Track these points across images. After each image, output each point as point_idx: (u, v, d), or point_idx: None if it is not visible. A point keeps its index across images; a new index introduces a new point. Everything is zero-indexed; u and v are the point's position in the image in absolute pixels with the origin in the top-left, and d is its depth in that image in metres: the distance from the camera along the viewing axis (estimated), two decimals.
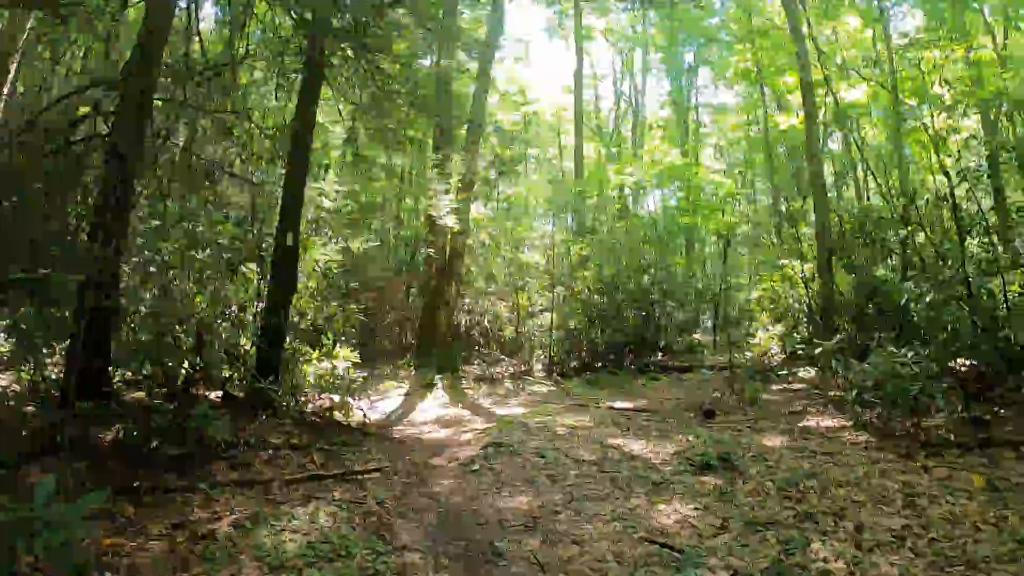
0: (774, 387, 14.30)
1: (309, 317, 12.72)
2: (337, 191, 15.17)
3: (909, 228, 14.62)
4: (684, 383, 16.85)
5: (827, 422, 10.36)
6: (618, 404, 13.37)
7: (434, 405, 13.96)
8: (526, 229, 21.07)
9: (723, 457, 7.86)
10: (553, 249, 19.20)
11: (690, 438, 9.12)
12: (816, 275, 17.59)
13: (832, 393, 12.15)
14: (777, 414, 11.44)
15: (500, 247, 19.69)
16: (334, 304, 13.00)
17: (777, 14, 23.94)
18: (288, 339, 10.87)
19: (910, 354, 9.53)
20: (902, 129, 20.80)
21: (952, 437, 8.75)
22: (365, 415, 10.99)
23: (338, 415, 10.22)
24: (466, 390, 15.71)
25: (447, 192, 16.36)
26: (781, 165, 30.83)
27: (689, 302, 22.69)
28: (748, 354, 19.74)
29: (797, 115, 21.76)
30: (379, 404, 14.39)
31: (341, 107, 14.92)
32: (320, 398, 11.19)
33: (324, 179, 14.97)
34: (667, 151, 29.06)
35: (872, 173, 19.73)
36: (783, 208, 23.65)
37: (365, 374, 18.06)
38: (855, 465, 7.79)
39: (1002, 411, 9.59)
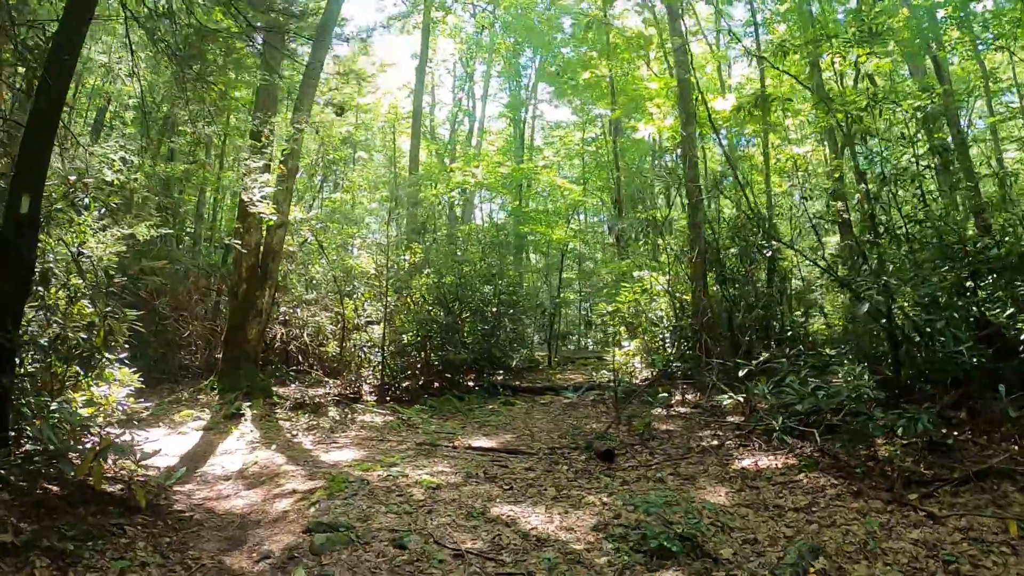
0: (655, 411, 12.25)
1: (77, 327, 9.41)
2: (124, 160, 11.82)
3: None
4: (545, 407, 14.71)
5: (764, 460, 8.36)
6: (479, 442, 10.95)
7: (240, 445, 10.93)
8: (354, 230, 18.11)
9: (681, 536, 5.49)
10: (387, 251, 16.29)
11: (604, 498, 6.82)
12: (688, 286, 16.13)
13: (737, 420, 10.28)
14: (688, 450, 9.37)
15: (324, 248, 16.61)
16: (98, 308, 9.68)
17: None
18: (34, 358, 7.68)
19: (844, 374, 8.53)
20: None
21: (922, 469, 7.32)
22: (136, 466, 7.89)
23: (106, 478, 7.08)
24: (281, 421, 12.69)
25: (265, 172, 13.23)
26: (627, 179, 29.74)
27: (528, 316, 20.47)
28: (605, 372, 17.98)
29: (656, 121, 20.31)
30: (168, 443, 11.29)
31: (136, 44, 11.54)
32: (86, 441, 8.34)
33: (103, 142, 11.60)
34: (504, 161, 27.35)
35: (742, 186, 18.25)
36: (631, 220, 21.96)
37: (152, 402, 14.84)
38: (847, 524, 6.07)
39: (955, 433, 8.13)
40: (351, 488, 7.41)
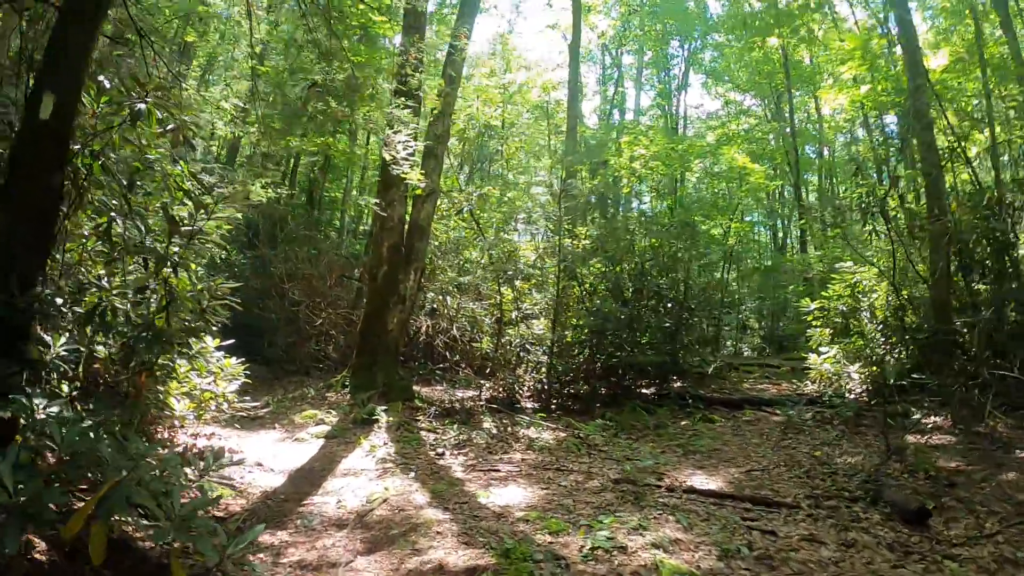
0: (908, 438, 9.04)
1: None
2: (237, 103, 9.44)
3: None
4: (754, 427, 11.49)
5: None
6: (698, 480, 7.91)
7: (368, 463, 8.26)
8: (518, 203, 15.05)
9: None
10: (559, 226, 13.19)
11: None
12: (928, 277, 12.62)
13: None
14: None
15: (480, 225, 13.80)
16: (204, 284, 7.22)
17: None
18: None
19: None
20: None
21: None
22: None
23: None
24: (423, 432, 9.97)
25: (412, 133, 10.52)
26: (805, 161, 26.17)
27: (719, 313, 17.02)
28: (810, 385, 14.78)
29: (849, 90, 16.83)
30: (280, 453, 8.85)
31: None
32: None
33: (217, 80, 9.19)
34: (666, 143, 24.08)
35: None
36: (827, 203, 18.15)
37: (270, 398, 12.49)
38: None
39: None
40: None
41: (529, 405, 12.53)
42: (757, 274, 27.40)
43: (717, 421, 11.94)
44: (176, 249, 7.14)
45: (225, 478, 6.85)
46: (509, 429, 10.36)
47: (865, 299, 13.85)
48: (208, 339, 8.05)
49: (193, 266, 7.50)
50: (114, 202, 5.42)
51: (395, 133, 10.16)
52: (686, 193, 27.69)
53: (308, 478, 7.70)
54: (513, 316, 13.81)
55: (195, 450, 8.06)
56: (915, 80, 13.33)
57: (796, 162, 24.89)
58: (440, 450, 8.97)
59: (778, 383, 16.68)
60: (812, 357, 14.51)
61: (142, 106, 5.14)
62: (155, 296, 6.03)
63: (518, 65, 24.26)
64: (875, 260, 13.93)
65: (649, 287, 13.55)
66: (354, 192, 27.08)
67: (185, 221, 6.52)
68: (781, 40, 23.73)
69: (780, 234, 33.81)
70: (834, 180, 28.67)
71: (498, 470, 8.04)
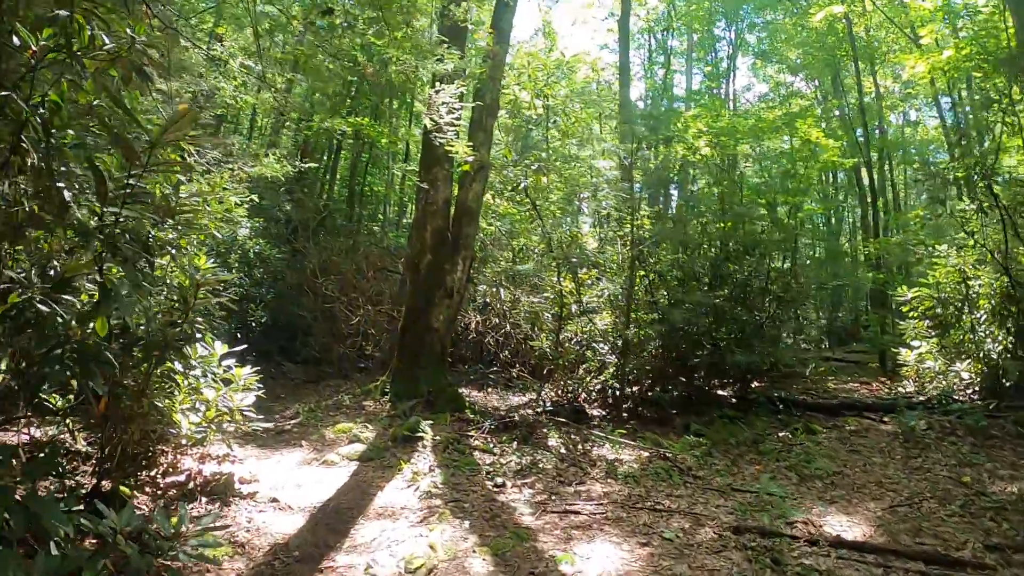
0: None
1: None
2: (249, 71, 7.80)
3: None
4: (865, 439, 9.59)
5: None
6: (838, 524, 6.20)
7: (409, 499, 6.58)
8: (584, 179, 12.91)
9: None
10: (632, 206, 11.10)
11: None
12: None
13: None
14: None
15: (537, 206, 11.91)
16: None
17: None
18: None
19: None
20: None
21: None
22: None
23: None
24: (476, 454, 8.24)
25: (458, 93, 8.72)
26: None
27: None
28: (906, 384, 12.96)
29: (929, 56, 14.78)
30: (304, 479, 7.29)
31: None
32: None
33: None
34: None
35: None
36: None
37: (295, 410, 10.89)
38: None
39: None
40: None
41: (596, 412, 10.76)
42: (826, 261, 25.24)
43: (819, 432, 10.06)
44: (170, 234, 5.58)
45: (224, 528, 5.26)
46: (580, 447, 8.58)
47: (973, 285, 11.87)
48: (213, 345, 6.39)
49: (202, 258, 5.91)
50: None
51: (437, 92, 8.41)
52: (743, 176, 25.60)
53: (333, 522, 6.02)
54: (573, 310, 11.97)
55: (199, 479, 6.49)
56: None
57: (867, 139, 22.56)
58: (499, 479, 7.20)
59: (865, 382, 14.85)
60: (904, 352, 12.76)
61: (63, 13, 3.44)
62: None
63: (562, 45, 22.33)
64: (977, 242, 11.85)
65: (735, 275, 11.64)
66: (395, 172, 25.64)
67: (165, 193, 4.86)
68: (846, 7, 21.59)
69: (833, 219, 31.59)
70: (891, 162, 26.56)
71: (577, 511, 6.25)
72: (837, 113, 26.56)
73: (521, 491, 6.89)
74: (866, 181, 27.38)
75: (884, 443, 9.38)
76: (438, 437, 8.60)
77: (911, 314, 12.89)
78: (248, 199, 8.45)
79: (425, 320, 10.79)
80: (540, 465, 7.74)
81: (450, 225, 11.32)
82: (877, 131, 23.74)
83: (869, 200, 22.82)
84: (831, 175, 29.54)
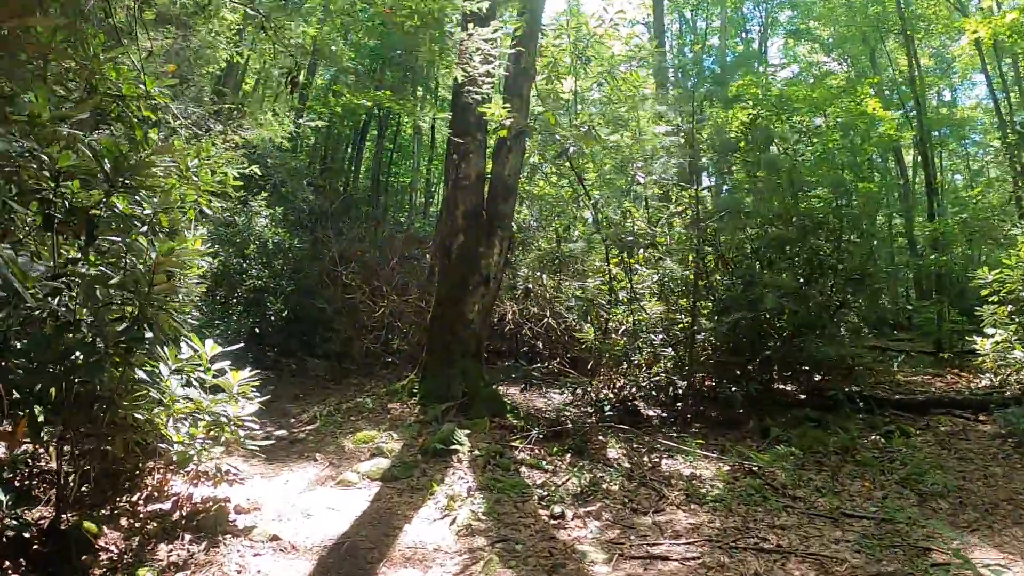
0: None
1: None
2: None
3: None
4: (973, 445, 8.31)
5: None
6: (993, 560, 4.91)
7: (444, 537, 5.27)
8: (635, 146, 11.17)
9: None
10: (695, 170, 9.45)
11: None
12: None
13: None
14: None
15: (583, 180, 10.35)
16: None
17: None
18: None
19: None
20: None
21: None
22: None
23: None
24: (525, 470, 6.87)
25: (492, 37, 7.26)
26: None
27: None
28: (988, 376, 11.62)
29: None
30: (314, 513, 5.87)
31: None
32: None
33: None
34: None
35: None
36: None
37: (312, 414, 9.59)
38: None
39: None
40: None
41: (652, 413, 9.36)
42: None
43: (913, 434, 8.72)
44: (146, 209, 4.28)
45: None
46: (647, 460, 7.19)
47: None
48: (203, 343, 5.11)
49: (196, 240, 4.62)
50: None
51: (469, 36, 6.99)
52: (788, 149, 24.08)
53: (347, 570, 4.67)
54: (621, 296, 10.47)
55: (187, 506, 5.19)
56: None
57: (919, 113, 21.24)
58: (556, 508, 5.79)
59: (937, 375, 13.45)
60: (980, 341, 11.50)
61: None
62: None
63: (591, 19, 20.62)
64: None
65: (816, 255, 10.16)
66: (422, 172, 24.56)
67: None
68: None
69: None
70: (930, 142, 24.89)
71: (664, 554, 4.85)
72: (873, 92, 25.10)
73: (586, 524, 5.49)
74: (906, 161, 26.77)
75: (994, 448, 8.10)
76: (476, 449, 7.23)
77: (992, 298, 11.47)
78: (246, 168, 7.13)
79: (458, 310, 9.40)
80: (604, 485, 6.34)
81: (484, 203, 9.92)
82: (914, 111, 22.14)
83: (918, 181, 21.66)
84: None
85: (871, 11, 23.40)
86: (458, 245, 9.64)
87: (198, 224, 5.76)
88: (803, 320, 9.70)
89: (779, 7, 30.92)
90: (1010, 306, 11.21)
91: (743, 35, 32.91)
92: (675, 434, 8.24)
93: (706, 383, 9.69)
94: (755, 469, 6.81)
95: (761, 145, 10.57)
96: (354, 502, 6.05)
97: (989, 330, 11.40)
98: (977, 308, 11.89)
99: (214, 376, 5.24)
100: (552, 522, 5.53)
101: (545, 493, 6.13)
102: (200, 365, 5.11)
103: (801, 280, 9.87)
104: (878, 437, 8.48)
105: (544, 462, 7.04)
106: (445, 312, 9.56)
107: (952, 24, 22.10)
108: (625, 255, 9.63)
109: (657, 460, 7.19)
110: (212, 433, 5.18)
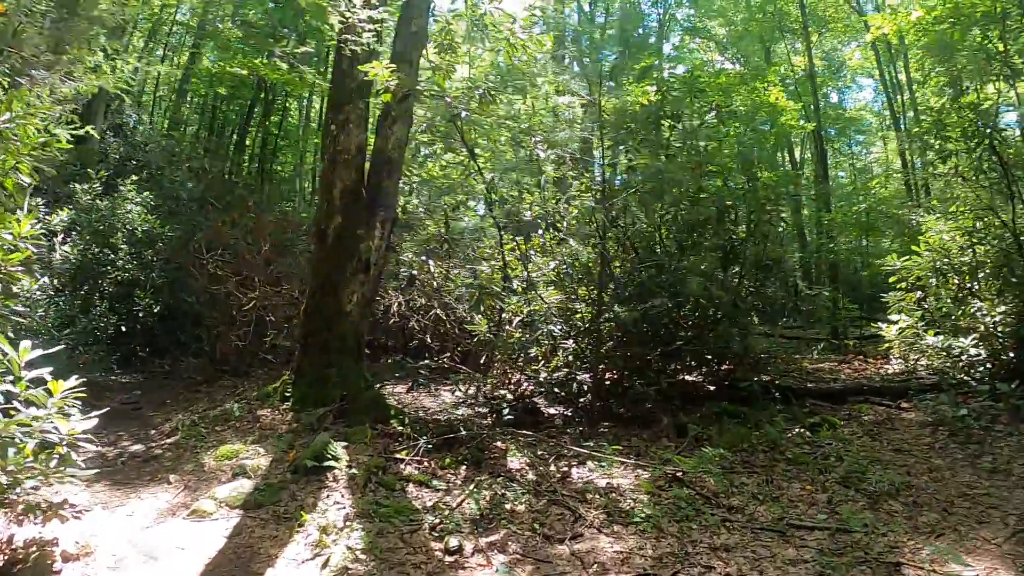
0: None
1: None
2: None
3: None
4: (904, 434, 7.79)
5: None
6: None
7: None
8: (537, 117, 10.14)
9: None
10: (601, 139, 8.48)
11: None
12: None
13: None
14: None
15: (474, 154, 9.24)
16: None
17: None
18: None
19: None
20: None
21: None
22: None
23: None
24: (411, 489, 5.80)
25: None
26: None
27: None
28: (898, 363, 11.51)
29: None
30: (159, 555, 4.73)
31: None
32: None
33: None
34: None
35: None
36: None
37: (176, 422, 8.30)
38: None
39: None
40: None
41: (555, 411, 8.43)
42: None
43: (839, 425, 8.13)
44: None
45: None
46: (555, 469, 6.23)
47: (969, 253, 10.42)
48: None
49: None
50: None
51: None
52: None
53: None
54: (516, 284, 9.49)
55: (6, 552, 4.24)
56: None
57: (817, 107, 21.53)
58: (453, 540, 4.72)
59: (844, 362, 13.24)
60: (886, 328, 11.32)
61: None
62: None
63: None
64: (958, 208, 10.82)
65: (729, 239, 9.49)
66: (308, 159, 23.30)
67: None
68: None
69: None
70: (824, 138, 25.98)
71: None
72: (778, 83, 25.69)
73: (490, 560, 4.47)
74: (797, 155, 27.87)
75: (927, 437, 7.58)
76: (356, 464, 6.12)
77: (900, 285, 11.27)
78: (80, 128, 5.85)
79: (334, 301, 8.23)
80: (507, 505, 5.35)
81: (365, 180, 8.77)
82: (812, 106, 22.74)
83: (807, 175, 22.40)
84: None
85: (769, 9, 23.82)
86: (335, 227, 8.44)
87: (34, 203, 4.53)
88: (716, 308, 8.99)
89: (677, 4, 30.77)
90: (919, 292, 11.03)
91: (640, 31, 32.77)
92: (582, 435, 7.37)
93: (612, 377, 8.80)
94: (680, 475, 5.94)
95: (673, 122, 9.78)
96: (209, 538, 4.90)
97: (894, 316, 11.17)
98: (881, 295, 11.83)
99: (27, 387, 4.06)
100: (448, 559, 4.49)
101: (437, 520, 5.05)
102: (9, 374, 3.95)
103: (714, 266, 9.19)
104: (803, 430, 7.85)
105: (435, 478, 5.98)
106: (320, 304, 8.37)
107: (850, 26, 24.00)
108: (521, 239, 8.67)
109: (566, 469, 6.25)
110: (41, 457, 4.02)
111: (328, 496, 5.54)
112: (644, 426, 7.87)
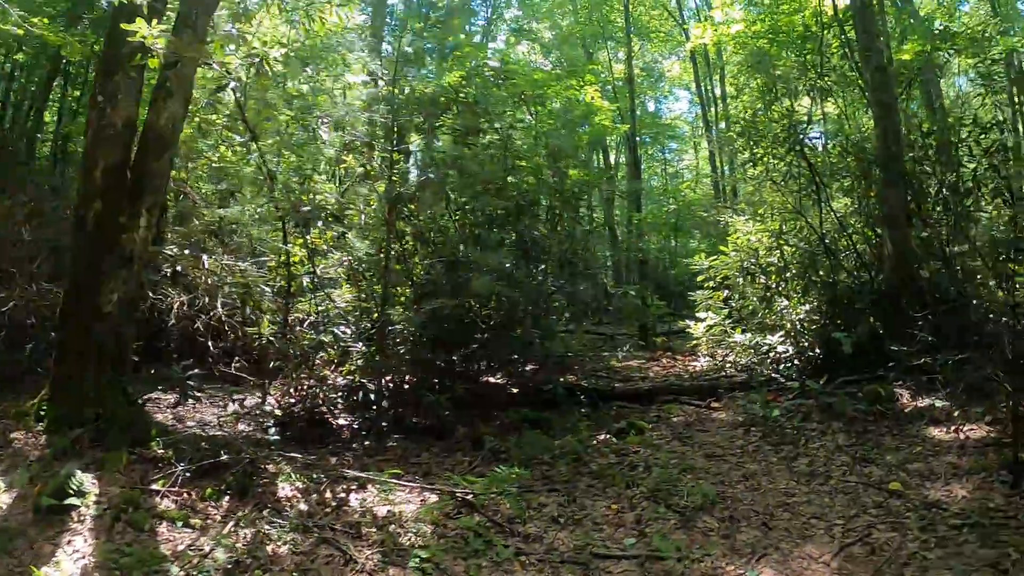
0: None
1: None
2: None
3: None
4: (716, 437, 7.67)
5: None
6: None
7: None
8: (321, 97, 9.31)
9: None
10: (393, 112, 7.77)
11: None
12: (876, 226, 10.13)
13: None
14: None
15: (255, 134, 8.28)
16: None
17: None
18: None
19: None
20: None
21: None
22: None
23: None
24: (163, 532, 4.89)
25: None
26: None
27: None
28: (706, 360, 11.80)
29: None
30: None
31: None
32: None
33: None
34: None
35: None
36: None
37: None
38: None
39: None
40: None
41: (345, 422, 7.71)
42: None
43: (647, 429, 7.90)
44: None
45: None
46: (330, 496, 5.52)
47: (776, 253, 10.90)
48: None
49: None
50: None
51: None
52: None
53: None
54: (305, 282, 8.65)
55: None
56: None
57: (633, 111, 22.00)
58: None
59: (652, 359, 13.47)
60: (693, 325, 11.90)
61: None
62: None
63: None
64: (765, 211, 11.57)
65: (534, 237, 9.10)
66: None
67: None
68: None
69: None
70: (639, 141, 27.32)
71: None
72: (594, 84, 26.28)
73: None
74: (611, 158, 29.66)
75: (739, 439, 7.50)
76: (106, 499, 5.18)
77: (708, 284, 11.90)
78: None
79: (92, 302, 7.15)
80: (269, 547, 4.59)
81: (131, 159, 7.68)
82: (629, 111, 23.48)
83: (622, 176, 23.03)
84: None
85: (595, 17, 24.73)
86: (94, 214, 7.32)
87: None
88: (515, 306, 8.56)
89: (506, 4, 30.88)
90: (726, 291, 11.49)
91: (467, 29, 32.44)
92: (368, 451, 6.77)
93: (405, 383, 8.15)
94: (472, 499, 5.39)
95: (477, 109, 9.26)
96: None
97: (702, 314, 11.59)
98: (689, 294, 12.41)
99: None
100: None
101: (183, 572, 4.26)
102: None
103: (513, 262, 8.75)
104: (610, 436, 7.58)
105: (194, 513, 5.12)
106: (77, 304, 7.27)
107: (671, 37, 26.00)
108: (303, 231, 7.90)
109: (344, 496, 5.55)
110: None
111: (69, 542, 4.60)
112: (439, 438, 7.34)
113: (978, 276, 9.14)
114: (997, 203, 9.04)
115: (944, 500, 5.21)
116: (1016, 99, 14.53)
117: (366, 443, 7.12)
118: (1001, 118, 9.87)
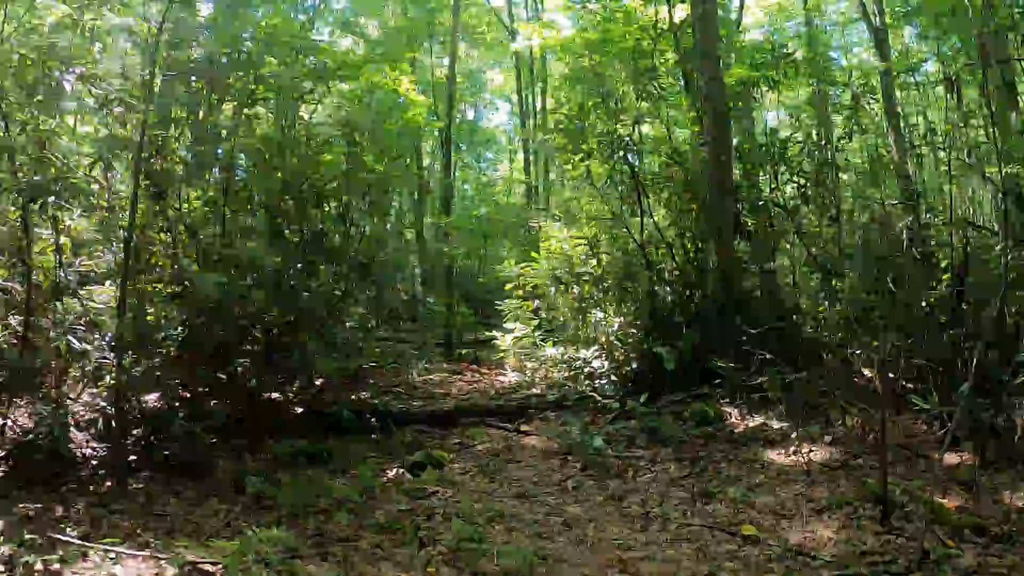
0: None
1: None
2: None
3: None
4: (530, 470, 6.89)
5: None
6: None
7: None
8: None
9: None
10: (149, 82, 6.36)
11: None
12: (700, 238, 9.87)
13: None
14: None
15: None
16: None
17: None
18: None
19: None
20: None
21: None
22: None
23: None
24: None
25: None
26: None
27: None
28: (514, 374, 11.30)
29: None
30: None
31: None
32: None
33: None
34: None
35: None
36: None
37: None
38: None
39: None
40: None
41: (91, 452, 6.25)
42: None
43: (447, 461, 6.93)
44: None
45: None
46: (42, 569, 4.12)
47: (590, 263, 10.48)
48: None
49: None
50: None
51: None
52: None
53: None
54: (60, 280, 6.99)
55: None
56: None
57: (450, 111, 21.60)
58: None
59: (456, 372, 12.69)
60: (501, 337, 11.69)
61: None
62: None
63: None
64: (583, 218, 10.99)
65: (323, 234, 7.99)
66: None
67: None
68: None
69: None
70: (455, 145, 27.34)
71: None
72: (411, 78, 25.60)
73: None
74: (425, 163, 28.55)
75: (556, 472, 6.64)
76: None
77: (517, 292, 11.36)
78: None
79: None
80: None
81: None
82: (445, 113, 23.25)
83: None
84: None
85: (422, 15, 24.14)
86: None
87: None
88: (296, 314, 7.40)
89: None
90: (536, 301, 11.00)
91: (295, 16, 30.84)
92: (111, 495, 5.39)
93: (160, 405, 6.74)
94: (208, 569, 4.14)
95: (257, 84, 8.01)
96: None
97: (510, 325, 11.24)
98: (498, 303, 11.94)
99: None
100: None
101: None
102: None
103: (296, 264, 7.62)
104: (403, 471, 6.53)
105: None
106: None
107: (500, 43, 25.58)
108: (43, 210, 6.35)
109: (58, 568, 4.16)
110: None
111: None
112: (195, 476, 5.97)
113: (798, 292, 9.23)
114: (822, 221, 9.01)
115: (808, 544, 4.55)
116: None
117: (107, 483, 5.72)
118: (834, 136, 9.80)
